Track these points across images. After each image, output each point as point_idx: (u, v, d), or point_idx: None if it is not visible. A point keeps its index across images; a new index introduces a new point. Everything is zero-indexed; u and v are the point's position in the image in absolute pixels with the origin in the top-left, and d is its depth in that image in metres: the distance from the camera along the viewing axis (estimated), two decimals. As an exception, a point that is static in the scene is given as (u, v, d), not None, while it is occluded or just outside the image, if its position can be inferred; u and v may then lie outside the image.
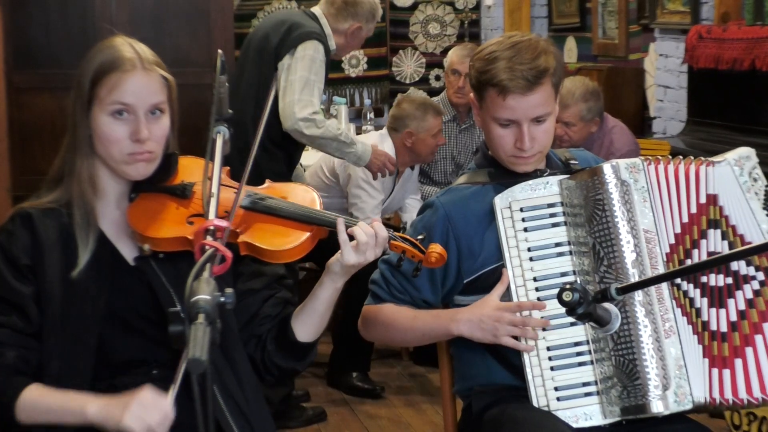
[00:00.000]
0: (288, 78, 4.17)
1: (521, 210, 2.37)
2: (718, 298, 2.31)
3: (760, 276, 2.32)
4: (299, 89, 4.17)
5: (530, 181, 2.39)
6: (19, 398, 1.96)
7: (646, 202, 2.32)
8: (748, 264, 2.32)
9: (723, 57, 4.92)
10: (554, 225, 2.37)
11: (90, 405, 1.91)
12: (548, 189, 2.39)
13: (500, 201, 2.38)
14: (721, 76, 4.97)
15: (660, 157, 2.39)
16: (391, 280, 2.47)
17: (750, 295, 2.32)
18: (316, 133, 4.21)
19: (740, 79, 4.83)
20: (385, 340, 2.62)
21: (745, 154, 2.42)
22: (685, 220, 2.34)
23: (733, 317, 2.30)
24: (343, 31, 4.41)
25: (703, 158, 2.40)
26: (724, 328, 2.30)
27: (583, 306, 1.90)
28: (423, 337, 2.45)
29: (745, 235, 2.35)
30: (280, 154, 4.37)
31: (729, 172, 2.38)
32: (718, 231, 2.34)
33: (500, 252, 2.37)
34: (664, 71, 5.90)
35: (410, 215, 5.08)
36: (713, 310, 2.30)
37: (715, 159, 2.41)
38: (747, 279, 2.32)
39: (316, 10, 4.46)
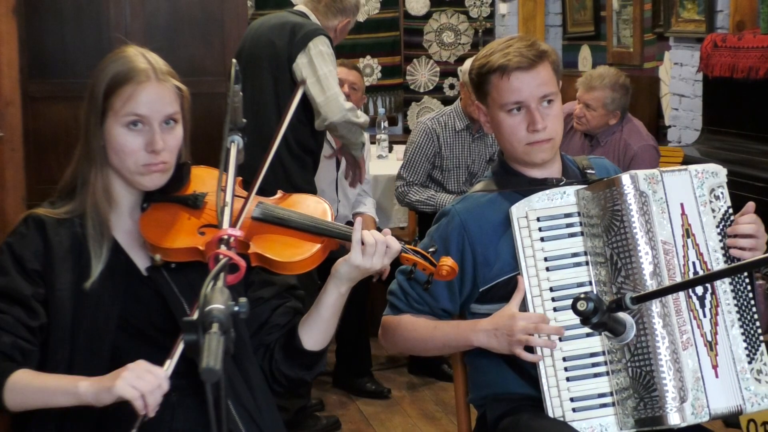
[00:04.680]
0: (316, 74, 4.17)
1: (538, 220, 2.36)
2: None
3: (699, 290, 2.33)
4: (334, 83, 4.21)
5: (547, 191, 2.38)
6: (8, 381, 1.95)
7: (664, 213, 2.31)
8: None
9: (738, 65, 4.91)
10: (571, 235, 2.36)
11: (81, 382, 1.89)
12: (565, 199, 2.38)
13: (517, 210, 2.37)
14: (736, 85, 4.96)
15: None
16: (409, 291, 2.47)
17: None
18: (359, 120, 4.28)
19: (755, 87, 4.82)
20: (405, 350, 2.62)
21: (712, 169, 2.40)
22: (681, 231, 2.34)
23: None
24: (332, 27, 4.41)
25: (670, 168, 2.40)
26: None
27: (597, 315, 1.90)
28: (443, 347, 2.45)
29: (700, 246, 2.34)
30: (309, 160, 4.38)
31: (687, 181, 2.37)
32: (689, 240, 2.34)
33: (516, 261, 2.36)
34: (679, 80, 5.89)
35: (365, 210, 5.13)
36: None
37: (680, 167, 2.40)
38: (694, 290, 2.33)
39: (303, 8, 4.44)
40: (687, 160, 5.09)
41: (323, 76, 4.17)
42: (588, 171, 2.52)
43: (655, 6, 6.18)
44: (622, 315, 2.00)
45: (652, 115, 6.25)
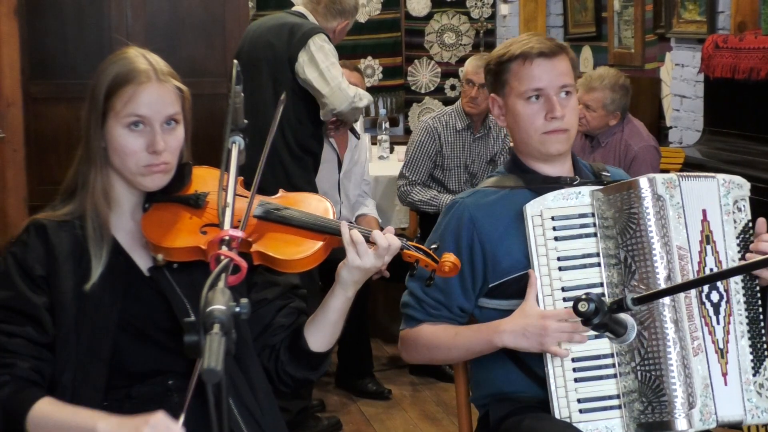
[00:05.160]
0: (318, 68, 4.22)
1: (552, 219, 2.35)
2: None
3: (715, 297, 2.33)
4: (337, 73, 4.25)
5: (562, 190, 2.37)
6: (31, 411, 1.94)
7: (681, 218, 2.30)
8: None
9: (739, 66, 4.91)
10: (585, 236, 2.35)
11: (100, 424, 1.88)
12: (580, 199, 2.37)
13: (531, 208, 2.36)
14: (737, 86, 4.95)
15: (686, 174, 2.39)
16: (423, 299, 2.46)
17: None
18: (363, 103, 4.36)
19: (757, 88, 4.82)
20: (428, 361, 2.60)
21: (738, 181, 2.41)
22: (699, 237, 2.34)
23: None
24: (331, 28, 4.45)
25: (695, 173, 2.41)
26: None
27: (598, 316, 1.90)
28: (467, 352, 2.43)
29: (720, 253, 2.35)
30: (309, 161, 4.39)
31: (714, 188, 2.37)
32: (709, 247, 2.34)
33: (527, 259, 2.35)
34: (681, 81, 5.89)
35: (367, 211, 5.12)
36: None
37: (707, 174, 2.41)
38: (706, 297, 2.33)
39: (301, 9, 4.47)
40: (688, 161, 5.09)
41: (325, 69, 4.22)
42: (603, 173, 2.52)
43: (656, 7, 6.18)
44: (623, 316, 2.00)
45: (654, 116, 6.25)
